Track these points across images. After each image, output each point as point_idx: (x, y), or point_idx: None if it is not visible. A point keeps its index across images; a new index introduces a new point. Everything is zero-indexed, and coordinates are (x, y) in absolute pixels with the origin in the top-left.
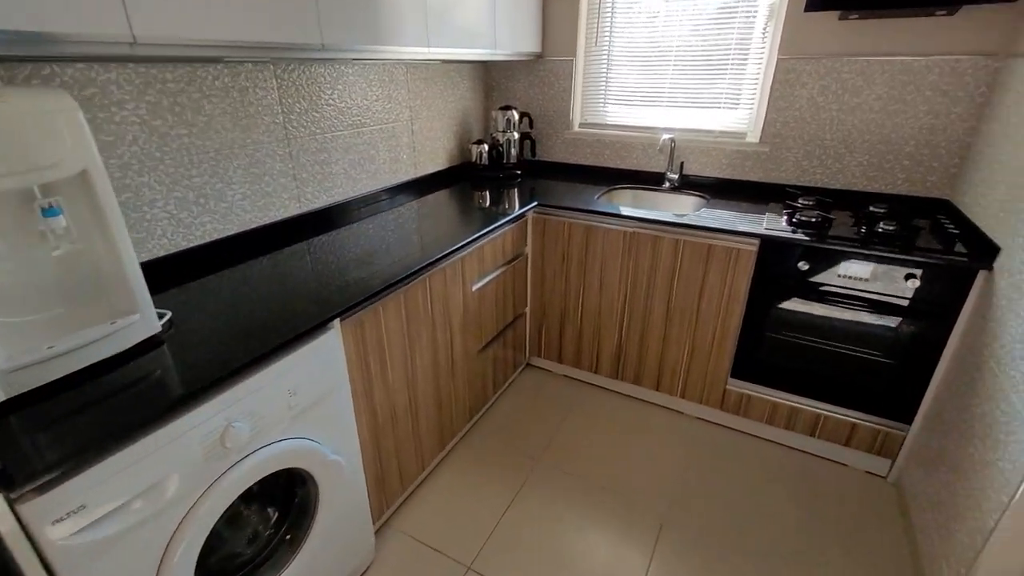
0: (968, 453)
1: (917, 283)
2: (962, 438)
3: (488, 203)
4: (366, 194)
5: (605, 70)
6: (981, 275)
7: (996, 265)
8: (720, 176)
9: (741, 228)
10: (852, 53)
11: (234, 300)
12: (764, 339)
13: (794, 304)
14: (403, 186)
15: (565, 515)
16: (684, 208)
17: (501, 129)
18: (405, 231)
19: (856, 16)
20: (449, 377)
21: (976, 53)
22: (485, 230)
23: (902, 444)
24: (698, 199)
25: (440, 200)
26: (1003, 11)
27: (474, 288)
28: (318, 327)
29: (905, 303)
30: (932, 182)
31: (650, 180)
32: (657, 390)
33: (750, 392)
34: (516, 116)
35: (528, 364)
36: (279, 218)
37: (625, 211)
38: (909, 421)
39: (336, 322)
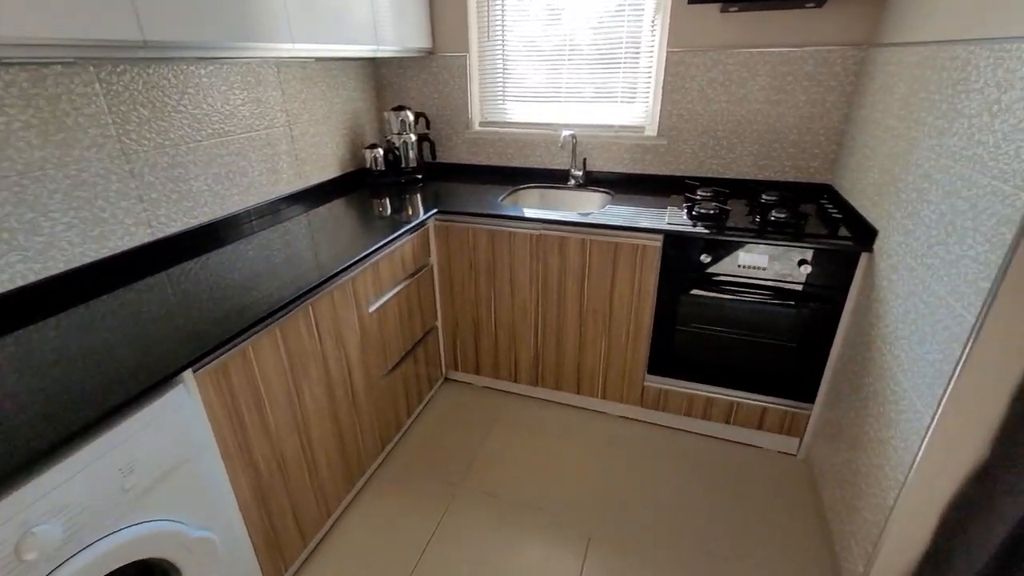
0: (865, 431)
1: (809, 268)
2: (859, 416)
3: (385, 212)
4: (239, 211)
5: (501, 66)
6: (863, 257)
7: (876, 247)
8: (623, 171)
9: (644, 224)
10: (735, 45)
11: (53, 358)
12: (675, 333)
13: (700, 296)
14: (287, 199)
15: (491, 540)
16: (590, 206)
17: (396, 131)
18: (287, 252)
19: (736, 8)
20: (351, 410)
21: (844, 43)
22: (378, 244)
23: (807, 422)
24: (603, 195)
25: (331, 213)
26: (865, 3)
27: (371, 309)
28: (159, 385)
29: (800, 288)
30: (815, 168)
31: (555, 178)
32: (578, 393)
33: (667, 387)
34: (411, 117)
35: (446, 379)
36: (124, 248)
37: (529, 213)
38: (812, 400)
39: (187, 374)
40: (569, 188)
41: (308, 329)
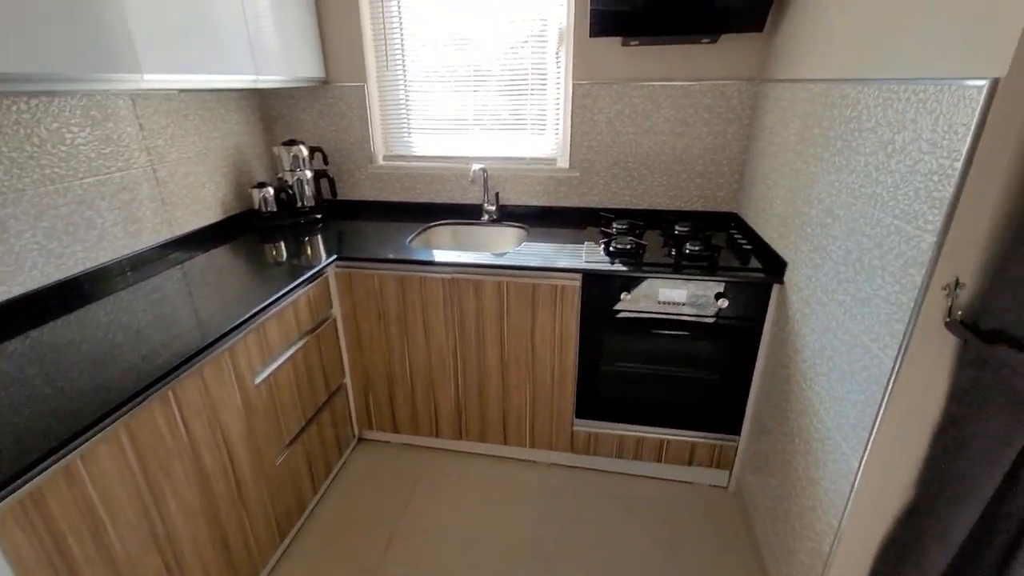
0: (794, 467)
1: (726, 301)
2: (785, 451)
3: (276, 261)
4: (84, 271)
5: (404, 97)
6: (775, 289)
7: (786, 279)
8: (537, 204)
9: (562, 264)
10: (639, 78)
11: None
12: (601, 373)
13: (623, 334)
14: (154, 251)
15: None
16: (506, 243)
17: (288, 168)
18: (144, 320)
19: (636, 43)
20: (235, 504)
21: (738, 78)
22: (265, 303)
23: (735, 454)
24: (518, 230)
25: (209, 265)
26: (755, 40)
27: (259, 380)
28: None
29: (719, 320)
30: (721, 197)
31: (468, 213)
32: (505, 443)
33: (597, 430)
34: (305, 152)
35: (360, 439)
36: None
37: (440, 256)
38: (738, 432)
39: None
40: (483, 223)
41: (169, 420)
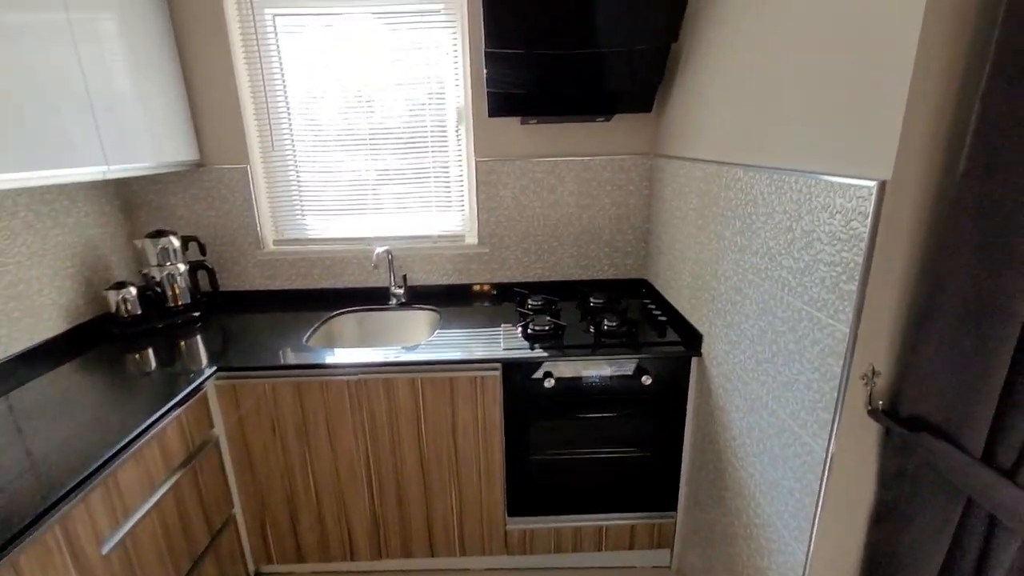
0: (738, 552)
1: (649, 378)
2: (727, 532)
3: (136, 380)
4: None
5: (295, 177)
6: (694, 361)
7: (704, 352)
8: (448, 282)
9: (480, 354)
10: (541, 154)
11: None
12: (531, 464)
13: (550, 420)
14: None
15: None
16: (418, 329)
17: (156, 262)
18: None
19: (535, 121)
20: None
21: (634, 153)
22: (116, 448)
23: (674, 531)
24: (430, 314)
25: (45, 393)
26: (646, 119)
27: (108, 548)
28: None
29: (644, 396)
30: (631, 265)
31: (374, 298)
32: (432, 555)
33: (531, 526)
34: (176, 243)
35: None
36: None
37: (342, 356)
38: (674, 508)
39: None
40: (391, 308)
41: None
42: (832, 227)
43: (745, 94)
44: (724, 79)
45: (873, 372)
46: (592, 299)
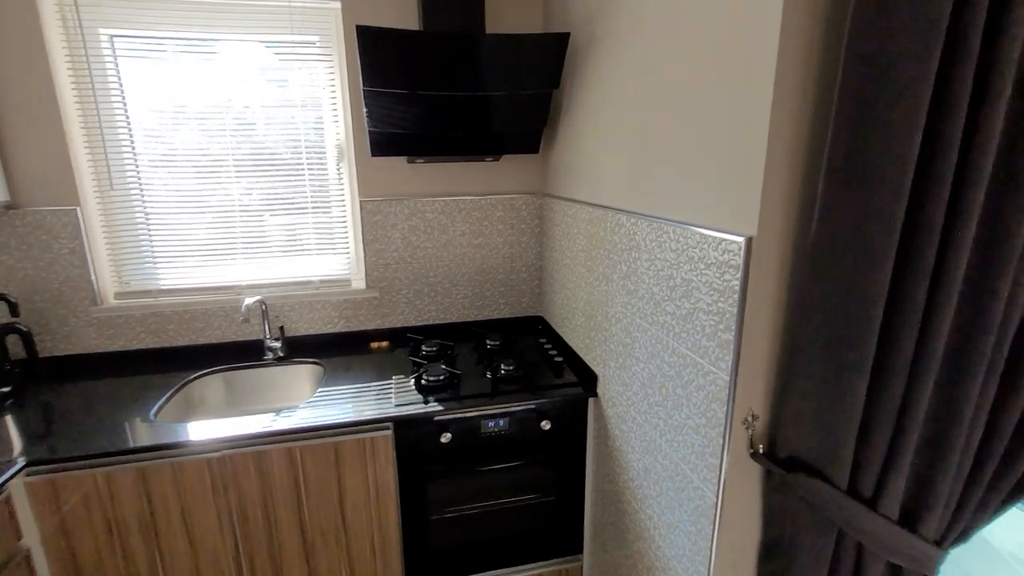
0: None
1: (548, 423)
2: (630, 575)
3: None
4: None
5: (143, 219)
6: (592, 402)
7: (599, 392)
8: (334, 331)
9: (369, 414)
10: (430, 194)
11: None
12: (431, 527)
13: (449, 477)
14: None
15: None
16: (299, 386)
17: None
18: None
19: (421, 160)
20: None
21: (525, 192)
22: None
23: (582, 575)
24: (313, 368)
25: None
26: (532, 160)
27: None
28: None
29: (544, 441)
30: (526, 303)
31: (247, 353)
32: None
33: None
34: None
35: None
36: None
37: (198, 431)
38: (580, 550)
39: None
40: (267, 364)
41: None
42: (708, 278)
43: (625, 144)
44: (604, 128)
45: (752, 416)
46: (489, 341)
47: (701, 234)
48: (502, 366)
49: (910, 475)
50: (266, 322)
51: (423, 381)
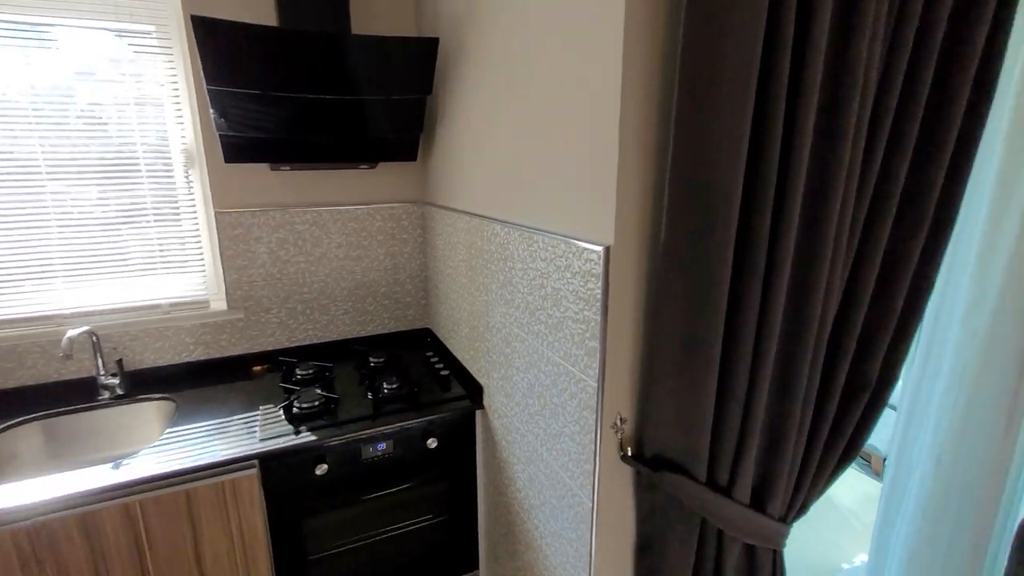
0: None
1: (435, 440)
2: None
3: None
4: None
5: None
6: (479, 414)
7: (485, 403)
8: (189, 360)
9: (227, 453)
10: (298, 204)
11: None
12: (310, 567)
13: (329, 510)
14: None
15: None
16: (143, 432)
17: None
18: None
19: (287, 168)
20: None
21: (403, 201)
22: None
23: None
24: (162, 404)
25: None
26: (414, 167)
27: None
28: None
29: (433, 459)
30: (412, 316)
31: (76, 393)
32: None
33: None
34: None
35: None
36: None
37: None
38: (476, 566)
39: None
40: (101, 405)
41: None
42: (575, 286)
43: (496, 153)
44: (476, 136)
45: (621, 420)
46: (372, 359)
47: (567, 243)
48: (384, 385)
49: (756, 459)
50: (99, 355)
51: (294, 409)
